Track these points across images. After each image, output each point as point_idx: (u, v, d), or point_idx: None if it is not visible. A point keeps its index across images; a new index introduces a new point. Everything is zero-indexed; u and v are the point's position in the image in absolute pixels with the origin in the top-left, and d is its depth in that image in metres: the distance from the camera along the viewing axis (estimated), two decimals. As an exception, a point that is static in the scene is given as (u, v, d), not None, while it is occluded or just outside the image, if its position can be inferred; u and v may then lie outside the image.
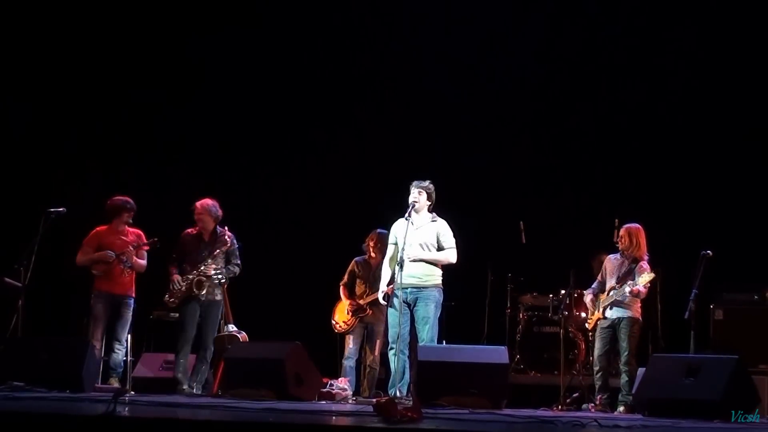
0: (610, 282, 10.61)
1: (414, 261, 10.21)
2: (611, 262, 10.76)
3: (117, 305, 11.25)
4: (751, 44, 12.69)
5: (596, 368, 10.61)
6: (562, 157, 13.56)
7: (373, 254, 11.60)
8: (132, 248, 11.28)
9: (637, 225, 10.64)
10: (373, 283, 11.43)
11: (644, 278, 10.28)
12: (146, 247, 11.44)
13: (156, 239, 11.40)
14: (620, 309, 10.50)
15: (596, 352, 10.63)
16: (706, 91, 12.90)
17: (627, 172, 13.11)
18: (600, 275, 10.87)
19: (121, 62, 14.04)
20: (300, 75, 14.20)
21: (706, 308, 11.09)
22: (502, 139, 13.77)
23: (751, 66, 12.68)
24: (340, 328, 11.68)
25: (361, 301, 11.55)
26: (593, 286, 10.87)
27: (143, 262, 11.45)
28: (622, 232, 10.65)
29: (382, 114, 14.12)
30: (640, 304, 10.56)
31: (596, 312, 10.69)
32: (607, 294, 10.58)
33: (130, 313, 11.31)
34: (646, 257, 10.54)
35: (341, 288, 11.81)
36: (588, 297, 10.86)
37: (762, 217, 11.99)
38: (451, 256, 10.38)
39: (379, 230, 11.49)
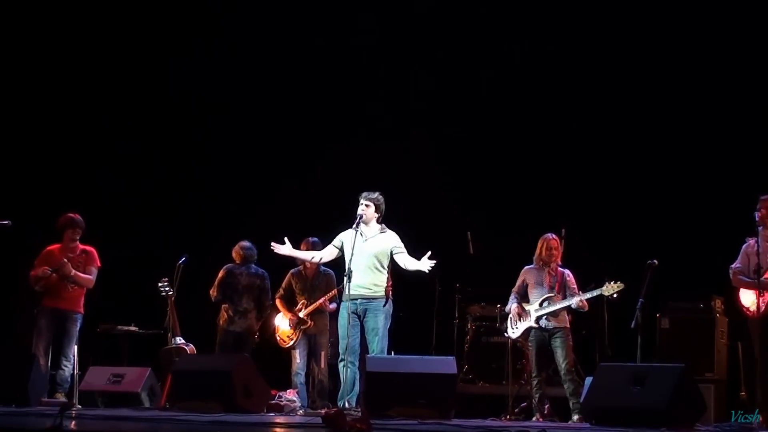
0: (539, 292, 10.65)
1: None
2: (531, 272, 10.80)
3: (63, 320, 11.11)
4: (692, 55, 12.81)
5: (539, 378, 10.63)
6: (509, 167, 13.60)
7: (307, 264, 11.47)
8: (65, 261, 11.07)
9: (553, 235, 10.74)
10: (311, 293, 11.42)
11: (613, 287, 10.29)
12: (96, 265, 11.32)
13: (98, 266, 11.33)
14: (555, 320, 10.57)
15: (538, 362, 10.65)
16: (651, 101, 13.01)
17: (574, 182, 13.16)
18: (518, 287, 10.88)
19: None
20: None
21: (652, 317, 11.17)
22: (450, 149, 13.81)
23: (690, 75, 12.80)
24: (284, 343, 11.60)
25: (301, 314, 11.49)
26: (515, 297, 10.85)
27: (89, 277, 11.23)
28: (550, 243, 10.68)
29: (329, 125, 14.11)
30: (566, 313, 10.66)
31: (526, 322, 10.70)
32: (540, 304, 10.60)
33: (77, 329, 11.16)
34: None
35: (277, 301, 11.71)
36: (515, 308, 10.81)
37: (707, 225, 12.07)
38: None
39: (310, 238, 11.33)
